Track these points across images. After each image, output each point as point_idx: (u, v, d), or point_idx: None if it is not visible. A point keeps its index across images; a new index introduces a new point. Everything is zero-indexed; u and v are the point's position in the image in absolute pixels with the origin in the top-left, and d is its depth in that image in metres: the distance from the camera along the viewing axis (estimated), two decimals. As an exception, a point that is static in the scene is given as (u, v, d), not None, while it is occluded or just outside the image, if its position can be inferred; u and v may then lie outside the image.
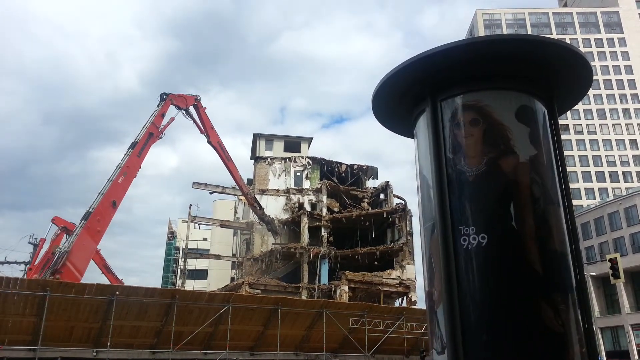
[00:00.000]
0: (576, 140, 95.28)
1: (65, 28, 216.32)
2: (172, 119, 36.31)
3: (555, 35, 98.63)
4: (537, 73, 3.73)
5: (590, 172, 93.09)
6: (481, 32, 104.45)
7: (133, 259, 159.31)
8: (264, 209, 44.96)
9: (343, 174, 51.83)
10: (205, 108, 38.66)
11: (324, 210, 46.47)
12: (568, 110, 4.31)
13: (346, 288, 39.92)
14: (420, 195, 3.94)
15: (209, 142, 39.11)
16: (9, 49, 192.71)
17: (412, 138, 4.24)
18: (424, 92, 3.78)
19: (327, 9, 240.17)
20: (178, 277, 61.25)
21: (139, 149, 33.05)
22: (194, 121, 37.99)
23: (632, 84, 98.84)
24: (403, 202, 46.02)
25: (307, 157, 51.51)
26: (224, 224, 51.03)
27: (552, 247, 3.34)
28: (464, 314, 3.23)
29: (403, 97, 3.97)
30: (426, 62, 3.61)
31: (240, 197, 48.15)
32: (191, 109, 37.76)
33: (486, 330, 3.18)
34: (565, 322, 3.22)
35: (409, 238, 43.70)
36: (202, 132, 38.64)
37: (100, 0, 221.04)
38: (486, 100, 3.61)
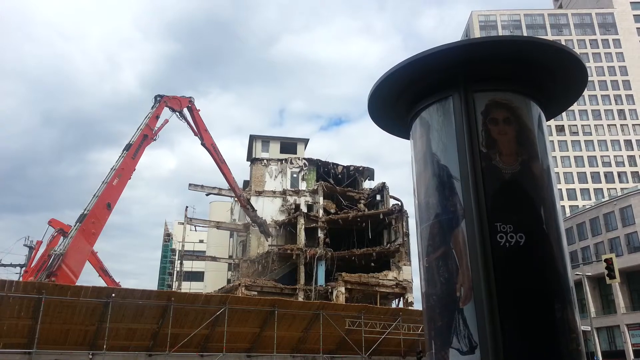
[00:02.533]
0: (572, 140, 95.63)
1: (66, 30, 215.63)
2: (166, 121, 36.29)
3: (550, 37, 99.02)
4: (539, 77, 3.76)
5: (585, 172, 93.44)
6: (477, 33, 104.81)
7: (131, 261, 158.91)
8: (256, 211, 44.92)
9: (339, 175, 51.86)
10: (199, 110, 38.62)
11: (321, 212, 46.46)
12: (561, 113, 4.34)
13: (343, 289, 39.93)
14: (419, 190, 3.80)
15: (203, 144, 39.10)
16: (9, 50, 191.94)
17: (405, 131, 4.18)
18: (456, 80, 3.67)
19: (327, 12, 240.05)
20: (174, 279, 61.16)
21: (133, 151, 32.99)
22: (188, 123, 37.96)
23: (626, 84, 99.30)
24: (399, 203, 46.06)
25: (304, 159, 51.52)
26: (220, 226, 50.97)
27: (564, 252, 3.53)
28: (500, 312, 3.20)
29: (405, 90, 3.89)
30: (463, 50, 3.58)
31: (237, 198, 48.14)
32: (185, 111, 37.72)
33: (521, 329, 3.20)
34: (576, 322, 3.41)
35: (405, 239, 43.73)
36: (195, 134, 38.61)
37: (100, 2, 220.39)
38: (516, 102, 3.68)
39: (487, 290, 3.20)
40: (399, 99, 4.03)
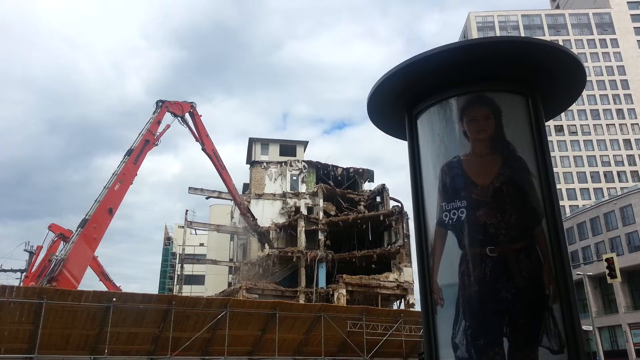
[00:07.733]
0: (571, 140, 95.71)
1: (73, 39, 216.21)
2: (168, 126, 36.14)
3: (548, 37, 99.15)
4: (540, 78, 3.82)
5: (585, 172, 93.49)
6: (474, 34, 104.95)
7: (134, 265, 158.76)
8: (257, 219, 44.61)
9: (339, 177, 51.83)
10: (201, 115, 38.46)
11: (321, 214, 46.44)
12: (560, 113, 4.37)
13: (344, 291, 39.90)
14: (471, 171, 3.58)
15: (204, 150, 38.89)
16: (16, 59, 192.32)
17: (407, 128, 4.19)
18: (529, 78, 3.69)
19: (330, 18, 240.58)
20: (175, 283, 61.11)
21: (135, 156, 32.89)
22: (190, 128, 37.76)
23: (624, 84, 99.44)
24: (399, 205, 46.06)
25: (303, 161, 51.49)
26: (220, 229, 50.91)
27: None
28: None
29: (419, 82, 3.87)
30: (527, 47, 3.63)
31: (237, 201, 48.00)
32: (187, 116, 37.60)
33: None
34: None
35: (405, 240, 43.69)
36: (197, 140, 38.43)
37: (107, 11, 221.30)
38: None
39: (572, 291, 3.31)
40: (400, 97, 4.02)
